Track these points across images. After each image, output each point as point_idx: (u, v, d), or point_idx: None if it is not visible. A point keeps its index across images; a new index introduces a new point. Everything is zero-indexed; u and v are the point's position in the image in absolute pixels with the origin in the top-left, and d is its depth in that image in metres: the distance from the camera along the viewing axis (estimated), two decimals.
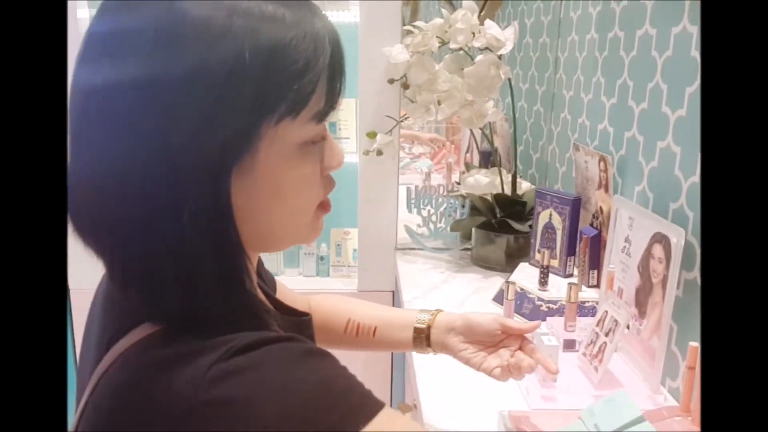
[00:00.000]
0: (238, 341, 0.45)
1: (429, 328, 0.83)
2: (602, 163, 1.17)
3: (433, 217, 1.67)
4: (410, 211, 1.74)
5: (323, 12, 0.51)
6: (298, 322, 0.66)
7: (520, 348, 0.80)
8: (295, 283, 1.83)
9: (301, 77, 0.46)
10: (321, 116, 0.49)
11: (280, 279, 1.96)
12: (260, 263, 0.74)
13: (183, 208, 0.44)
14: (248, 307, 0.51)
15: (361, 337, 0.86)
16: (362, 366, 1.81)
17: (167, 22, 0.44)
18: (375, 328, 0.85)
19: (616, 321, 0.89)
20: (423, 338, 0.83)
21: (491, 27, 1.37)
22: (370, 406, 0.46)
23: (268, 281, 0.76)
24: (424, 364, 1.05)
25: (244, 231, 0.49)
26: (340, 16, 1.69)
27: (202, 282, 0.46)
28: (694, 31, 0.92)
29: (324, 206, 0.56)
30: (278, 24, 0.45)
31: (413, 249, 1.71)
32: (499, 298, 1.28)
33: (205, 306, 0.47)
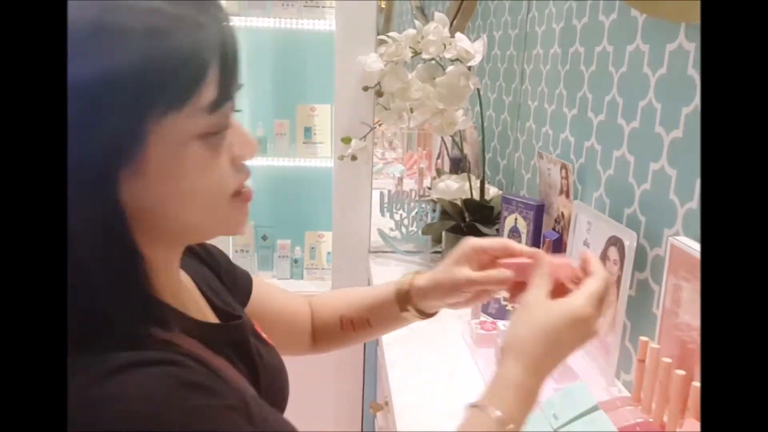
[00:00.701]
0: (110, 363, 0.44)
1: (408, 293, 0.75)
2: (564, 171, 1.25)
3: (405, 221, 1.73)
4: (383, 215, 1.79)
5: (223, 10, 0.51)
6: (226, 327, 0.62)
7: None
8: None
9: (181, 70, 0.46)
10: (214, 107, 0.48)
11: None
12: (227, 263, 0.75)
13: (74, 214, 0.44)
14: (146, 311, 0.50)
15: (359, 330, 0.81)
16: (333, 365, 1.86)
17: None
18: (368, 320, 0.80)
19: None
20: (409, 308, 0.75)
21: (461, 39, 1.44)
22: None
23: (236, 282, 0.75)
24: (396, 362, 1.11)
25: (158, 229, 0.50)
26: (317, 24, 1.74)
27: (96, 289, 0.46)
28: (646, 49, 1.00)
29: (242, 195, 0.54)
30: (156, 18, 0.45)
31: (386, 252, 1.77)
32: None
33: (100, 311, 0.47)
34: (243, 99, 1.96)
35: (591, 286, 0.60)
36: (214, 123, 0.49)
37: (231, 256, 1.84)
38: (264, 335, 0.70)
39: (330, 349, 0.86)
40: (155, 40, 0.44)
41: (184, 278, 0.63)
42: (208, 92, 0.47)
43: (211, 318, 0.63)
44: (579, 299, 0.59)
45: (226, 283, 0.72)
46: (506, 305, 1.23)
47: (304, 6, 1.76)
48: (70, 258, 0.44)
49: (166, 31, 0.45)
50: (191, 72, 0.46)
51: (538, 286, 0.62)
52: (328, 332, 0.83)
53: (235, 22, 1.69)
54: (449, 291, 0.72)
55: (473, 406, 0.59)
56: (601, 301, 0.60)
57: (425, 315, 0.77)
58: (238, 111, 0.54)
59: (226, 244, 1.83)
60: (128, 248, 0.48)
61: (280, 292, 0.83)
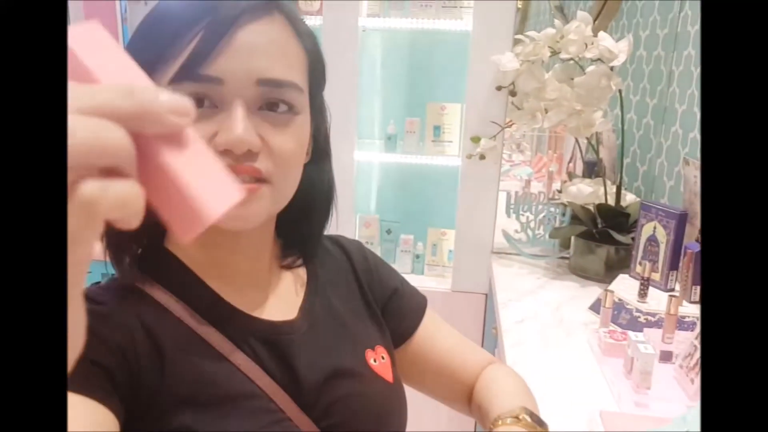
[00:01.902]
0: None
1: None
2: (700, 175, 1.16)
3: (532, 224, 1.69)
4: (508, 216, 1.76)
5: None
6: (269, 323, 0.61)
7: None
8: None
9: (151, 48, 0.51)
10: (175, 80, 0.51)
11: None
12: (392, 290, 0.73)
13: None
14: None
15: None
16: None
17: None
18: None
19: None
20: None
21: (605, 39, 1.38)
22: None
23: (402, 312, 0.73)
24: (516, 364, 1.09)
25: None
26: (453, 25, 1.75)
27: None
28: None
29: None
30: None
31: (509, 254, 1.74)
32: (596, 306, 1.29)
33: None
34: (375, 97, 2.01)
35: None
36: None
37: None
38: (375, 364, 0.66)
39: None
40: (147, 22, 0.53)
41: (287, 279, 0.66)
42: (173, 66, 0.51)
43: (277, 317, 0.62)
44: None
45: (379, 304, 0.71)
46: (638, 316, 1.17)
47: (442, 6, 1.78)
48: None
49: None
50: (155, 50, 0.51)
51: None
52: (477, 411, 0.73)
53: (374, 22, 1.75)
54: None
55: None
56: None
57: None
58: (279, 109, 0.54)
59: (352, 236, 1.89)
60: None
61: (453, 343, 0.76)
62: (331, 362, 0.63)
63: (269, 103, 0.54)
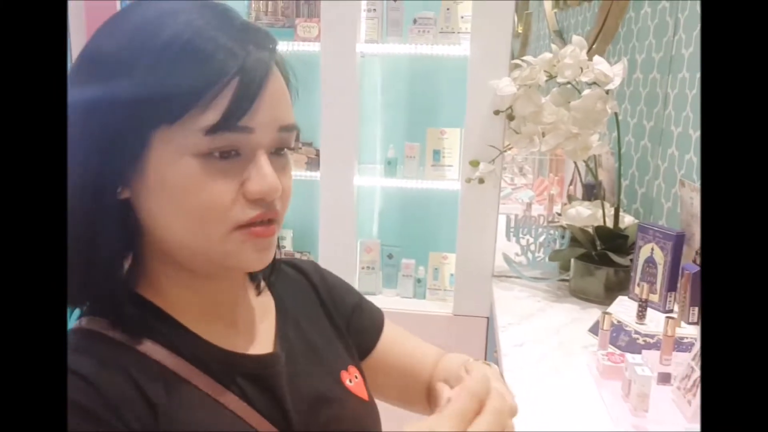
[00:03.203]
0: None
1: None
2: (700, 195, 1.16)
3: (532, 247, 1.69)
4: (509, 240, 1.76)
5: (271, 44, 0.54)
6: (254, 358, 0.61)
7: None
8: (392, 303, 1.90)
9: (179, 87, 0.49)
10: (212, 130, 0.50)
11: (377, 298, 2.02)
12: (352, 306, 0.74)
13: (81, 214, 0.51)
14: (112, 308, 0.55)
15: None
16: None
17: (82, 52, 0.53)
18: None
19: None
20: None
21: (600, 63, 1.40)
22: None
23: (362, 327, 0.75)
24: (517, 384, 1.08)
25: (155, 240, 0.55)
26: (451, 50, 1.78)
27: (73, 272, 0.51)
28: None
29: (253, 230, 0.53)
30: (168, 30, 0.50)
31: (510, 277, 1.74)
32: (595, 329, 1.28)
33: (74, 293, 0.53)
34: (376, 122, 2.04)
35: (450, 405, 0.47)
36: (216, 146, 0.51)
37: (357, 273, 1.92)
38: (350, 384, 0.67)
39: None
40: (166, 56, 0.50)
41: (257, 308, 0.65)
42: (209, 115, 0.50)
43: (258, 350, 0.62)
44: (433, 418, 0.47)
45: (344, 323, 0.73)
46: (637, 338, 1.16)
47: (440, 32, 1.80)
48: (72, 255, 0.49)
49: (177, 50, 0.50)
50: (186, 91, 0.49)
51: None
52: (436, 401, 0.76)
53: (372, 48, 1.78)
54: None
55: None
56: (463, 418, 0.46)
57: None
58: (288, 149, 0.55)
59: (353, 262, 1.90)
60: (113, 246, 0.54)
61: (410, 346, 0.78)
62: (313, 389, 0.63)
63: (278, 147, 0.56)
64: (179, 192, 0.51)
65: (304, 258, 2.01)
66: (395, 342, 0.78)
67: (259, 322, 0.65)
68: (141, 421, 0.50)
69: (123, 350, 0.53)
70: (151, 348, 0.54)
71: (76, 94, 0.50)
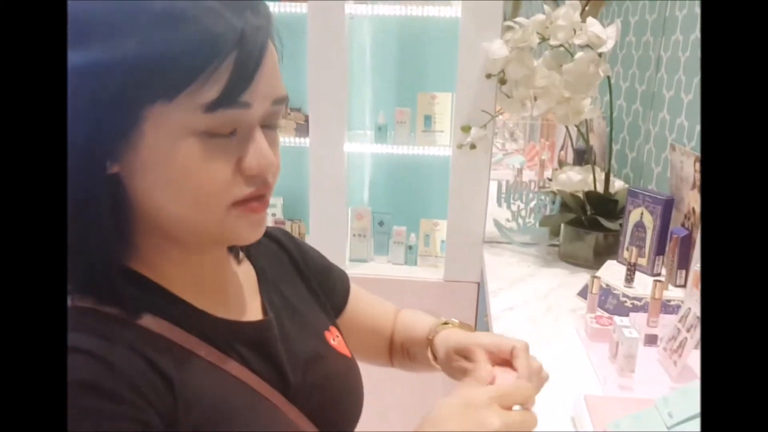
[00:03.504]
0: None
1: (432, 341, 0.75)
2: (698, 164, 1.16)
3: (523, 212, 1.69)
4: (500, 206, 1.76)
5: (265, 10, 0.51)
6: (250, 324, 0.62)
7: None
8: (384, 270, 1.91)
9: (178, 62, 0.46)
10: (211, 107, 0.48)
11: (368, 265, 2.01)
12: (322, 268, 0.76)
13: (69, 188, 0.46)
14: (117, 287, 0.52)
15: (413, 361, 0.81)
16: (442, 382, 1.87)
17: (73, 11, 0.46)
18: (415, 353, 0.79)
19: (698, 317, 0.89)
20: (429, 354, 0.76)
21: (593, 25, 1.38)
22: None
23: (334, 287, 0.77)
24: None
25: (149, 216, 0.53)
26: (442, 11, 1.74)
27: (72, 254, 0.48)
28: None
29: (249, 206, 0.53)
30: (167, 6, 0.46)
31: (501, 243, 1.74)
32: (584, 293, 1.29)
33: (72, 275, 0.50)
34: (366, 87, 2.01)
35: (499, 381, 0.57)
36: (213, 124, 0.49)
37: (348, 240, 1.92)
38: (334, 343, 0.70)
39: (403, 370, 0.85)
40: (162, 31, 0.46)
41: (241, 276, 0.65)
42: (208, 91, 0.47)
43: (249, 317, 0.63)
44: (476, 387, 0.55)
45: (318, 286, 0.74)
46: (624, 301, 1.17)
47: None
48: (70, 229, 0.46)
49: (175, 23, 0.46)
50: (184, 66, 0.46)
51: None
52: (396, 354, 0.83)
53: (361, 9, 1.74)
54: (447, 361, 0.72)
55: None
56: (501, 397, 0.54)
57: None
58: (285, 122, 0.53)
59: (344, 229, 1.89)
60: (108, 224, 0.51)
61: (372, 304, 0.83)
62: (304, 351, 0.65)
63: (270, 120, 0.54)
64: (177, 171, 0.50)
65: (296, 226, 2.01)
66: (360, 301, 0.81)
67: (245, 290, 0.65)
68: (160, 396, 0.50)
69: (124, 326, 0.52)
70: (152, 322, 0.53)
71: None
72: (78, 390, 0.45)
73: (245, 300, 0.64)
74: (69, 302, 0.52)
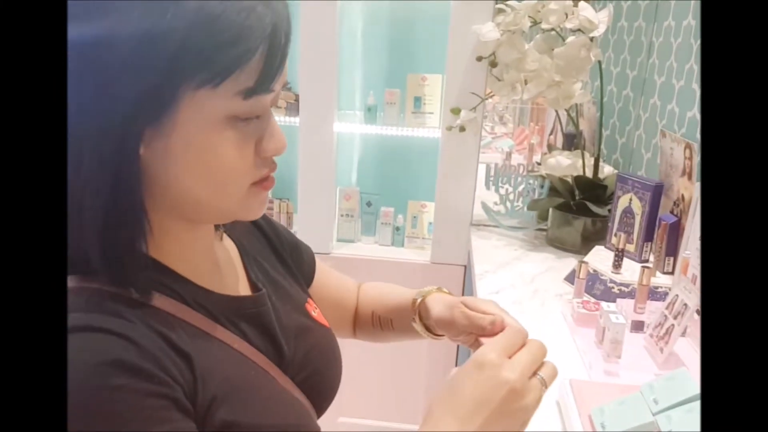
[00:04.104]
0: (70, 321, 0.46)
1: (419, 307, 0.76)
2: (688, 150, 1.16)
3: (511, 196, 1.69)
4: (488, 189, 1.76)
5: (285, 3, 0.51)
6: (248, 298, 0.63)
7: None
8: (371, 251, 1.91)
9: (225, 49, 0.46)
10: (249, 93, 0.49)
11: (355, 246, 2.01)
12: (291, 242, 0.77)
13: (94, 158, 0.46)
14: (135, 268, 0.51)
15: (386, 330, 0.83)
16: (426, 354, 1.88)
17: None
18: (391, 321, 0.82)
19: (685, 305, 0.90)
20: (418, 321, 0.77)
21: (585, 9, 1.37)
22: None
23: (302, 260, 0.78)
24: None
25: (165, 196, 0.52)
26: None
27: (90, 235, 0.48)
28: None
29: (263, 184, 0.56)
30: None
31: (488, 226, 1.74)
32: (571, 277, 1.30)
33: (90, 257, 0.49)
34: (356, 68, 1.99)
35: (497, 337, 0.58)
36: (247, 110, 0.50)
37: (336, 221, 1.91)
38: (315, 314, 0.72)
39: (366, 340, 0.88)
40: (208, 14, 0.46)
41: (226, 252, 0.65)
42: (247, 78, 0.48)
43: (242, 292, 0.64)
44: (482, 348, 0.56)
45: (291, 261, 0.75)
46: (612, 287, 1.18)
47: None
48: (73, 198, 0.46)
49: (220, 8, 0.46)
50: (234, 54, 0.47)
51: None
52: (363, 324, 0.86)
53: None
54: (446, 324, 0.72)
55: None
56: (507, 349, 0.56)
57: (431, 333, 0.77)
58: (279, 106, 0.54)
59: (332, 209, 1.88)
60: (133, 203, 0.49)
61: (335, 277, 0.86)
62: (293, 323, 0.67)
63: (276, 103, 0.56)
64: (212, 157, 0.51)
65: (284, 205, 2.00)
66: (324, 275, 0.83)
67: (231, 265, 0.66)
68: (182, 373, 0.50)
69: (138, 306, 0.51)
70: (161, 301, 0.53)
71: (100, 27, 0.45)
72: (107, 369, 0.45)
73: (236, 275, 0.65)
74: (75, 283, 0.51)
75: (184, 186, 0.52)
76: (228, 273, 0.64)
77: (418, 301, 0.77)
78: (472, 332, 0.67)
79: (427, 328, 0.77)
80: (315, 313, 0.72)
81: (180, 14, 0.45)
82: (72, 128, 0.45)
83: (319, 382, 0.67)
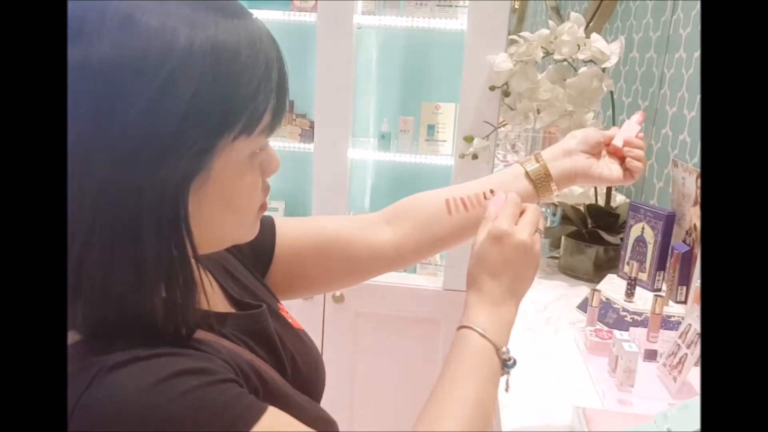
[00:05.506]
0: (108, 360, 0.46)
1: (545, 167, 0.79)
2: (700, 180, 1.17)
3: None
4: None
5: (273, 41, 0.52)
6: (251, 315, 0.63)
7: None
8: (383, 276, 1.87)
9: (255, 97, 0.48)
10: (270, 130, 0.52)
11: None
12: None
13: (142, 221, 0.46)
14: (193, 321, 0.51)
15: (472, 209, 0.79)
16: (439, 367, 1.87)
17: (128, 44, 0.44)
18: (484, 193, 0.77)
19: (699, 334, 0.90)
20: (545, 179, 0.79)
21: (597, 40, 1.39)
22: (250, 416, 0.48)
23: (255, 248, 0.73)
24: None
25: (198, 238, 0.51)
26: (448, 24, 1.76)
27: (150, 292, 0.48)
28: None
29: (263, 207, 0.58)
30: (233, 42, 0.47)
31: None
32: (583, 305, 1.30)
33: (147, 314, 0.48)
34: (371, 95, 2.02)
35: (504, 210, 0.66)
36: (263, 143, 0.53)
37: None
38: (290, 319, 0.72)
39: (422, 253, 0.85)
40: (241, 64, 0.47)
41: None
42: (268, 115, 0.51)
43: (226, 308, 0.63)
44: (494, 221, 0.65)
45: (247, 258, 0.73)
46: (624, 315, 1.18)
47: (437, 5, 1.78)
48: (136, 261, 0.47)
49: (243, 53, 0.48)
50: (261, 99, 0.49)
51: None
52: (428, 225, 0.82)
53: (369, 20, 1.76)
54: (590, 139, 0.81)
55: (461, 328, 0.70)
56: (514, 217, 0.66)
57: (556, 183, 0.80)
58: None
59: None
60: (188, 255, 0.50)
61: (306, 225, 0.79)
62: (280, 330, 0.67)
63: None
64: (235, 192, 0.52)
65: None
66: (287, 225, 0.77)
67: (207, 281, 0.64)
68: (238, 375, 0.52)
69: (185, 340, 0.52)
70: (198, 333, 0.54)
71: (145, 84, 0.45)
72: (170, 382, 0.46)
73: (220, 291, 0.65)
74: (122, 357, 0.48)
75: (214, 228, 0.53)
76: (214, 290, 0.64)
77: (534, 163, 0.80)
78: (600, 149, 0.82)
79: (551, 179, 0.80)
80: (288, 318, 0.72)
81: (216, 71, 0.46)
82: (125, 201, 0.45)
83: (310, 388, 0.68)
